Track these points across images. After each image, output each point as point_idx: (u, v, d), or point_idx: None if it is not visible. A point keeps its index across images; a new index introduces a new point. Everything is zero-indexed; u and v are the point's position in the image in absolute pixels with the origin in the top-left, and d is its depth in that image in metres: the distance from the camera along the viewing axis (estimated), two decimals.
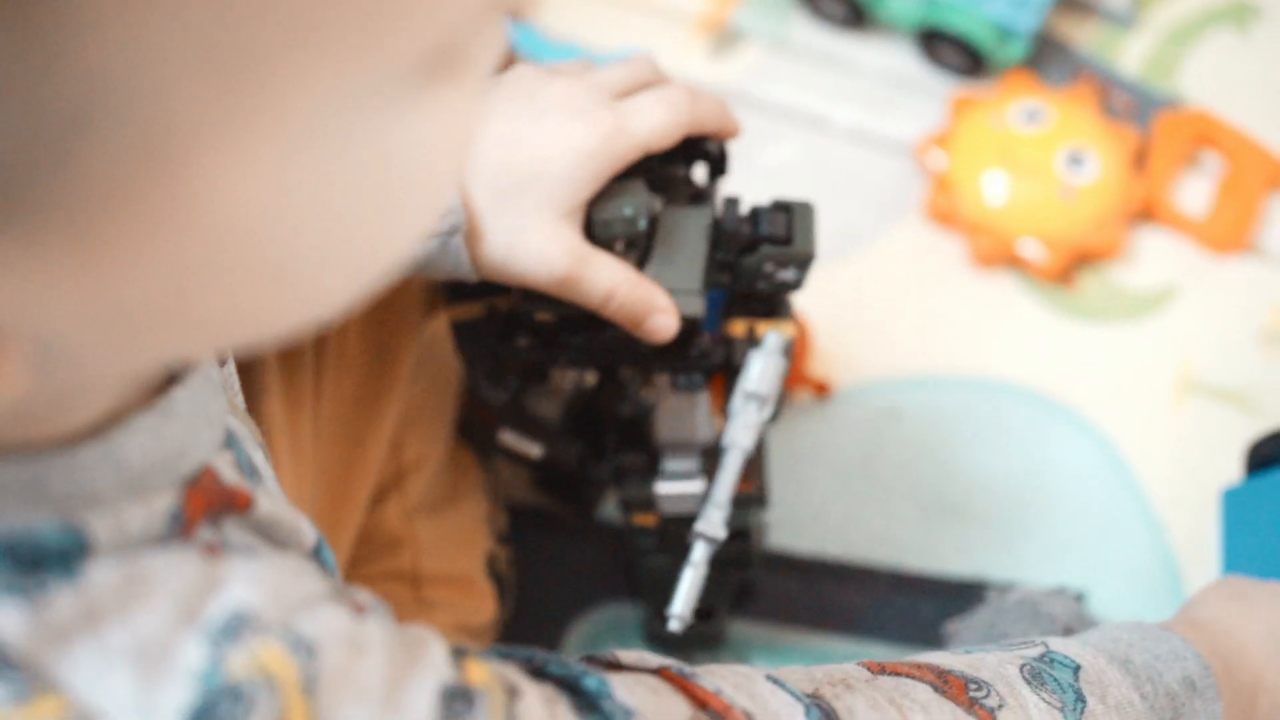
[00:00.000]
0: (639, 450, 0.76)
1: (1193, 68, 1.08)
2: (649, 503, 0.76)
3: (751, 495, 0.75)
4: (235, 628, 0.41)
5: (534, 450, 0.81)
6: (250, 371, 0.67)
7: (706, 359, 0.72)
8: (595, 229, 0.68)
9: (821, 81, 1.09)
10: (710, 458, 0.76)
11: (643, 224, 0.68)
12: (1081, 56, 1.08)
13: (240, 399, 0.57)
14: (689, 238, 0.71)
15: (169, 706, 0.40)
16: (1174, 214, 1.01)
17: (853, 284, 1.02)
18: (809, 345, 0.96)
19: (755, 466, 0.76)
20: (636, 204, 0.68)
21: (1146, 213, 1.02)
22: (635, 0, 1.13)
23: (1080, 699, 0.58)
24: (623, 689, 0.51)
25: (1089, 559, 0.91)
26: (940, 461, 0.95)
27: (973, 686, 0.57)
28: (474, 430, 0.83)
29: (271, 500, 0.48)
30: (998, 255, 1.01)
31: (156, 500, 0.42)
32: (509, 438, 0.80)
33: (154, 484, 0.42)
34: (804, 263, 0.71)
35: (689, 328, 0.71)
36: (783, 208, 0.72)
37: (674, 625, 0.67)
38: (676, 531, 0.77)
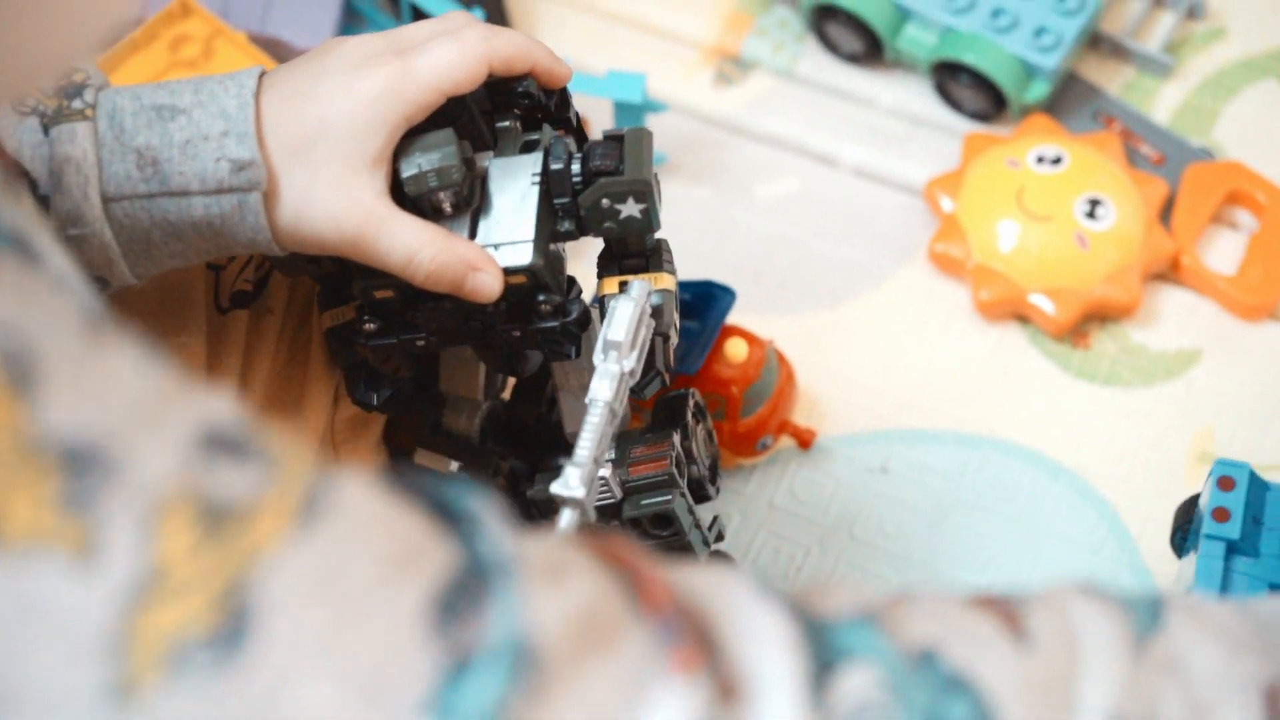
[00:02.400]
0: (537, 453, 0.71)
1: (1229, 121, 1.01)
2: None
3: (661, 476, 0.70)
4: None
5: (451, 467, 0.78)
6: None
7: (560, 317, 0.67)
8: (404, 186, 0.65)
9: (831, 116, 1.03)
10: (634, 444, 0.72)
11: (455, 175, 0.64)
12: (1109, 101, 1.01)
13: None
14: (517, 187, 0.67)
15: None
16: (1199, 273, 0.94)
17: (847, 328, 0.95)
18: (794, 390, 0.89)
19: (668, 445, 0.71)
20: (443, 154, 0.64)
21: (1170, 271, 0.95)
22: (644, 22, 1.07)
23: (1155, 613, 0.48)
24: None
25: None
26: (928, 524, 0.88)
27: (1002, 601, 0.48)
28: (395, 450, 0.79)
29: None
30: (1005, 306, 0.94)
31: None
32: (423, 455, 0.77)
33: None
34: (641, 193, 0.66)
35: (531, 284, 0.66)
36: (615, 138, 0.67)
37: None
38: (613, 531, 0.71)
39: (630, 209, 0.66)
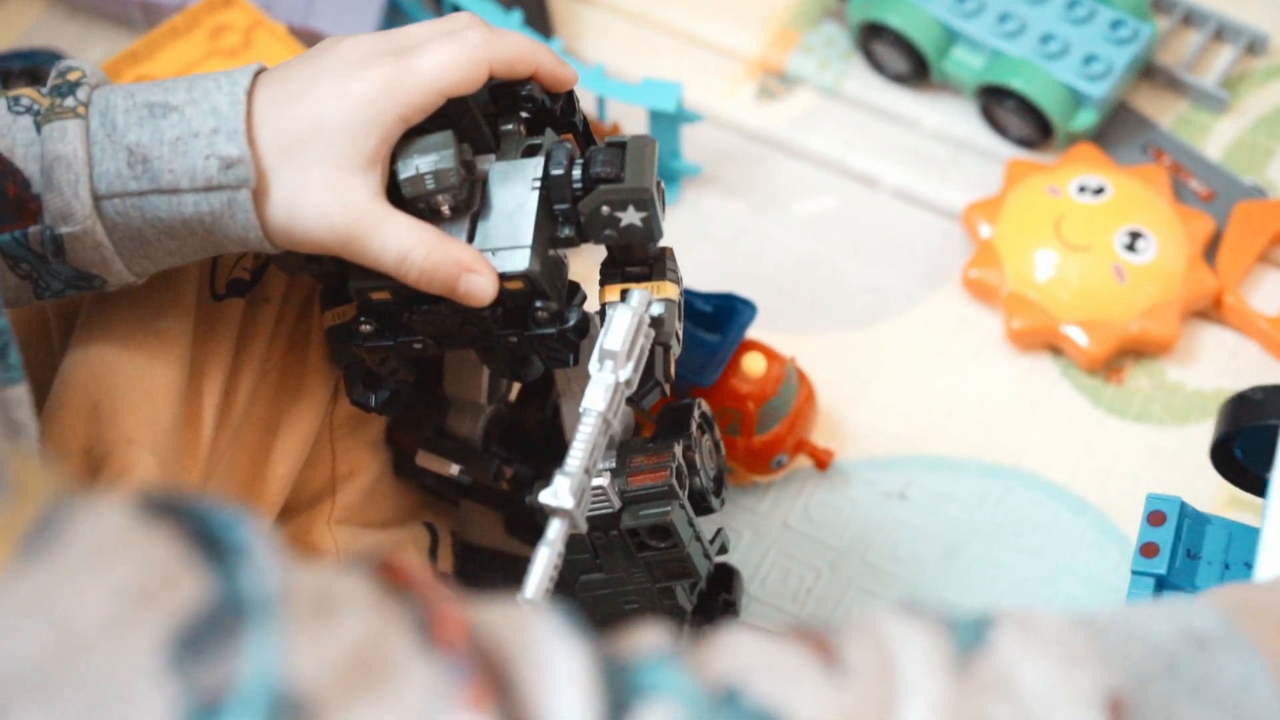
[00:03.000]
0: (542, 458, 0.69)
1: None
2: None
3: (660, 487, 0.69)
4: None
5: (451, 469, 0.76)
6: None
7: (558, 324, 0.65)
8: (402, 188, 0.64)
9: (873, 136, 1.01)
10: (635, 453, 0.71)
11: (453, 179, 0.63)
12: (1160, 134, 0.99)
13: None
14: (517, 191, 0.65)
15: None
16: (1242, 312, 0.91)
17: (874, 350, 0.93)
18: (814, 409, 0.88)
19: (669, 456, 0.70)
20: (441, 156, 0.63)
21: (1212, 309, 0.92)
22: (689, 33, 1.06)
23: (979, 631, 0.46)
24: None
25: None
26: (944, 553, 0.86)
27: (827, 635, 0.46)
28: (399, 452, 0.78)
29: None
30: (1038, 336, 0.91)
31: None
32: (425, 457, 0.76)
33: None
34: (641, 201, 0.65)
35: (528, 290, 0.65)
36: (617, 144, 0.66)
37: None
38: (611, 543, 0.70)
39: (631, 217, 0.65)
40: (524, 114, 0.68)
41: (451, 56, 0.63)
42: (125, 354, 0.66)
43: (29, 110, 0.62)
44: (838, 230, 0.98)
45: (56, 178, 0.60)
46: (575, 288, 0.68)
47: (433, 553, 0.79)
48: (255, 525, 0.39)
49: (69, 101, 0.61)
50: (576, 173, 0.65)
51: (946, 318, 0.94)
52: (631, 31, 1.07)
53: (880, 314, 0.95)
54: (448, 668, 0.38)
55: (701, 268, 0.96)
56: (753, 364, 0.83)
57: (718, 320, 0.85)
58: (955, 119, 1.01)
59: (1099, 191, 0.93)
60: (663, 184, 0.66)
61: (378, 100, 0.62)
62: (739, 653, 0.43)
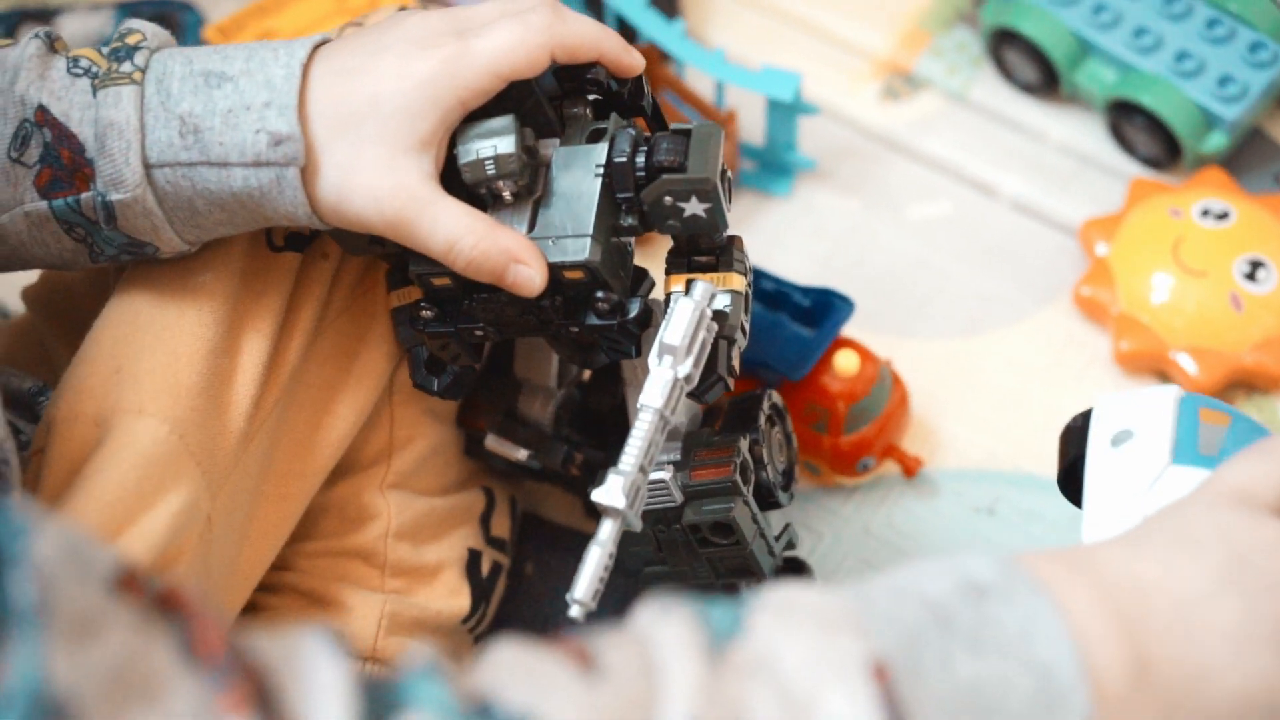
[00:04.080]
0: (612, 443, 0.68)
1: None
2: None
3: (724, 483, 0.67)
4: None
5: (520, 454, 0.76)
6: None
7: (619, 315, 0.64)
8: (461, 173, 0.63)
9: (995, 144, 0.99)
10: (700, 446, 0.69)
11: (513, 165, 0.62)
12: None
13: None
14: (580, 178, 0.64)
15: None
16: None
17: (977, 361, 0.91)
18: (906, 414, 0.86)
19: (733, 451, 0.68)
20: (502, 141, 0.62)
21: None
22: (818, 27, 1.05)
23: (735, 618, 0.46)
24: None
25: None
26: None
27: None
28: (469, 434, 0.78)
29: None
30: (1146, 360, 0.89)
31: None
32: (494, 442, 0.75)
33: None
34: (705, 192, 0.63)
35: (589, 280, 0.63)
36: (682, 132, 0.64)
37: (574, 613, 0.58)
38: (673, 536, 0.69)
39: (694, 207, 0.63)
40: (591, 97, 0.66)
41: (513, 39, 0.61)
42: (158, 310, 0.65)
43: (87, 72, 0.61)
44: (949, 236, 0.96)
45: (109, 144, 0.60)
46: (642, 275, 0.67)
47: (486, 518, 0.78)
48: (36, 536, 0.40)
49: (126, 67, 0.61)
50: (640, 160, 0.63)
51: (1053, 334, 0.92)
52: (759, 21, 1.05)
53: (985, 324, 0.93)
54: (209, 678, 0.40)
55: (807, 262, 0.95)
56: (845, 362, 0.82)
57: (815, 315, 0.84)
58: (1082, 133, 0.99)
59: (1222, 217, 0.90)
60: (729, 173, 0.65)
61: (436, 81, 0.61)
62: (496, 665, 0.44)
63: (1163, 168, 0.96)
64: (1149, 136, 0.95)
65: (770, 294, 0.85)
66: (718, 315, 0.64)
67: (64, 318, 0.73)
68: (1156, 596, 0.49)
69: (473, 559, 0.76)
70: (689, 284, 0.64)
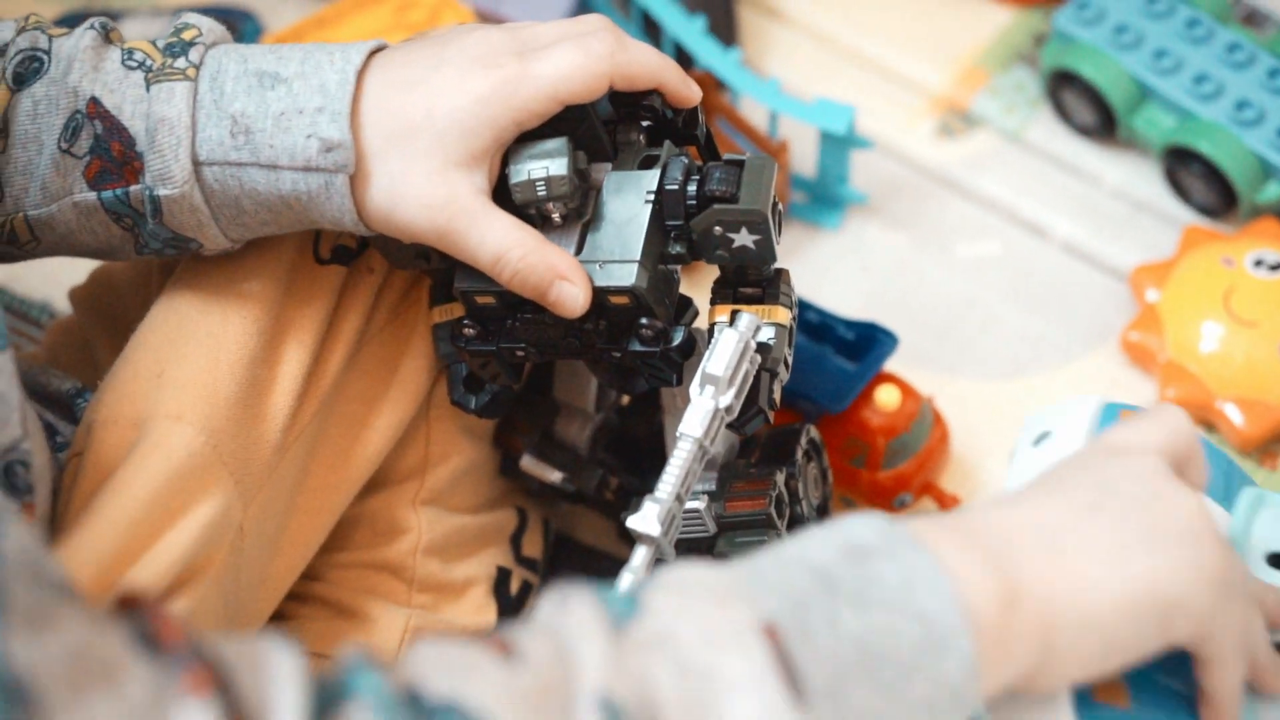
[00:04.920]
0: (648, 469, 0.68)
1: None
2: None
3: (758, 515, 0.67)
4: None
5: (554, 476, 0.76)
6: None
7: (662, 343, 0.63)
8: (512, 193, 0.63)
9: (1049, 186, 0.99)
10: (736, 478, 0.70)
11: (564, 187, 0.62)
12: None
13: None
14: (630, 203, 0.64)
15: None
16: None
17: (1021, 402, 0.90)
18: (946, 452, 0.85)
19: (769, 484, 0.68)
20: (555, 164, 0.62)
21: None
22: (875, 62, 1.05)
23: (633, 599, 0.49)
24: None
25: None
26: None
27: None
28: (505, 454, 0.78)
29: None
30: (1192, 409, 0.88)
31: None
32: (530, 463, 0.75)
33: None
34: (756, 224, 0.63)
35: (634, 306, 0.63)
36: (735, 163, 0.64)
37: None
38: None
39: (744, 239, 0.63)
40: (645, 124, 0.66)
41: (573, 64, 0.61)
42: (203, 316, 0.65)
43: (141, 65, 0.62)
44: (998, 276, 0.95)
45: (159, 139, 0.61)
46: (687, 303, 0.67)
47: (517, 537, 0.78)
48: (7, 539, 0.41)
49: (180, 63, 0.62)
50: (691, 188, 0.63)
51: (1099, 378, 0.91)
52: (817, 54, 1.05)
53: (1030, 366, 0.92)
54: (168, 663, 0.42)
55: (854, 296, 0.94)
56: (887, 397, 0.81)
57: (858, 348, 0.84)
58: (1138, 178, 0.98)
59: (1276, 268, 0.89)
60: (780, 205, 0.65)
61: (493, 101, 0.61)
62: (424, 657, 0.47)
63: (1217, 216, 0.95)
64: (1205, 184, 0.94)
65: (815, 325, 0.84)
66: (761, 348, 0.64)
67: (109, 317, 0.74)
68: (1024, 530, 0.54)
69: (501, 577, 0.76)
70: (734, 315, 0.64)
